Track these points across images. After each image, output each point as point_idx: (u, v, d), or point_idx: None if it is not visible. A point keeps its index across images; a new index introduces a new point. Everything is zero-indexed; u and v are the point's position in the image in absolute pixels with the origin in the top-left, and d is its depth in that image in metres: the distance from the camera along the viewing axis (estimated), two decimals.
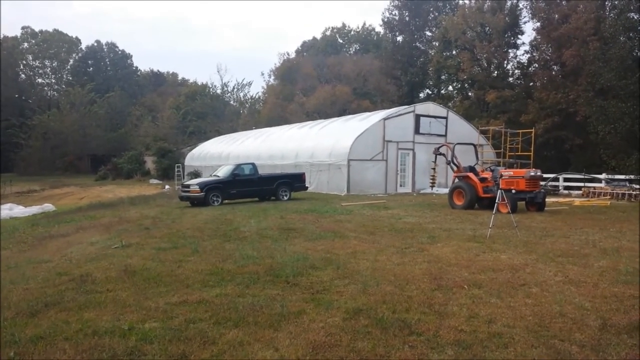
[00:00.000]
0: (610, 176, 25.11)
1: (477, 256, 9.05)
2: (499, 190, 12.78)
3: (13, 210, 22.44)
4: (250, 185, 21.79)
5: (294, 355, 4.72)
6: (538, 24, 36.12)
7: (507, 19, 38.32)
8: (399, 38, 54.05)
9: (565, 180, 27.24)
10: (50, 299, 6.63)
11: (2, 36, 77.37)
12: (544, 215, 15.94)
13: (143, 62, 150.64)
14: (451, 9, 50.24)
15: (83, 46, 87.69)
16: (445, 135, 28.69)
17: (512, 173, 17.47)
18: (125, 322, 5.65)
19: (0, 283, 7.57)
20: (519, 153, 28.95)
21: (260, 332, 5.31)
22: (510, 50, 40.81)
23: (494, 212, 11.89)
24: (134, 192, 33.31)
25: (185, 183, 22.54)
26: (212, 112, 67.24)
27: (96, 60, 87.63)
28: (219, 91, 74.06)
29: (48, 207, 24.04)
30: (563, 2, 34.89)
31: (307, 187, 24.05)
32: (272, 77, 73.65)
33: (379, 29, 67.31)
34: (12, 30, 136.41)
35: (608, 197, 22.61)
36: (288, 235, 11.75)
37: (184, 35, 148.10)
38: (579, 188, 25.48)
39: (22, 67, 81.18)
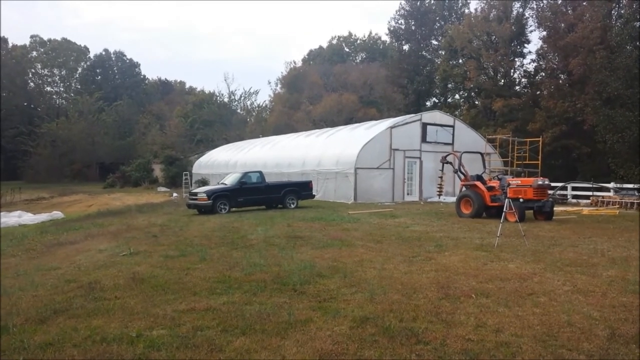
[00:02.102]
0: (618, 185, 24.98)
1: (484, 265, 9.02)
2: (506, 199, 12.75)
3: (22, 217, 22.59)
4: (258, 193, 21.83)
5: None
6: (544, 32, 36.17)
7: (513, 27, 38.37)
8: (405, 47, 54.23)
9: (574, 189, 27.12)
10: (59, 306, 6.67)
11: (10, 45, 78.16)
12: (552, 224, 15.86)
13: (151, 71, 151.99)
14: (457, 18, 50.40)
15: (91, 55, 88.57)
16: (452, 144, 28.67)
17: (519, 182, 17.42)
18: (133, 329, 5.69)
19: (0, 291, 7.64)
20: (527, 162, 28.88)
21: (267, 339, 5.32)
22: (516, 59, 40.82)
23: (501, 221, 11.85)
24: (141, 200, 33.43)
25: (193, 191, 22.62)
26: (220, 120, 67.47)
27: (104, 68, 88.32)
28: (226, 99, 74.33)
29: (57, 214, 24.17)
30: (569, 11, 34.91)
31: (314, 195, 24.06)
32: (279, 86, 73.99)
33: (385, 38, 67.59)
34: (21, 38, 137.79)
35: (617, 206, 22.48)
36: (295, 243, 11.77)
37: (192, 44, 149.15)
38: (587, 197, 25.34)
39: (30, 75, 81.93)
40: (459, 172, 19.19)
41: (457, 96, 51.06)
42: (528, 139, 29.62)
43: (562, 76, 36.17)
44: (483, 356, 4.82)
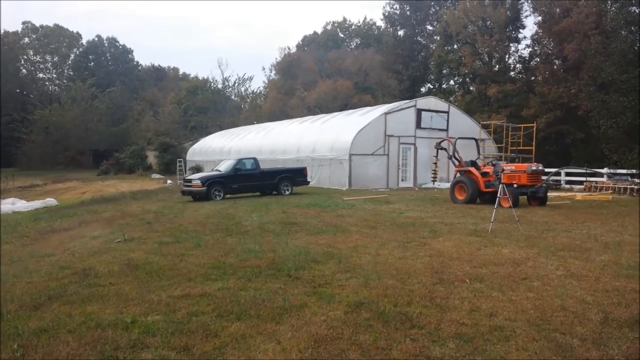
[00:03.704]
0: (612, 170, 25.09)
1: (478, 250, 9.06)
2: (500, 185, 12.77)
3: (16, 204, 22.42)
4: (252, 180, 21.80)
5: (296, 348, 4.74)
6: (539, 18, 36.06)
7: (508, 12, 38.19)
8: (400, 32, 53.88)
9: (567, 174, 27.23)
10: (53, 292, 6.66)
11: (2, 31, 77.38)
12: (546, 209, 15.93)
13: (144, 57, 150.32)
14: (452, 2, 50.02)
15: (84, 41, 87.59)
16: (446, 130, 28.68)
17: (513, 167, 17.46)
18: (128, 315, 5.68)
19: (0, 278, 7.60)
20: (521, 147, 28.91)
21: (262, 325, 5.33)
22: (511, 44, 40.71)
23: (495, 206, 11.88)
24: (135, 187, 33.33)
25: (187, 177, 22.58)
26: (214, 106, 67.11)
27: (97, 55, 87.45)
28: (220, 86, 73.86)
29: (50, 201, 24.03)
30: None
31: (308, 182, 24.07)
32: (273, 72, 73.70)
33: (380, 23, 67.19)
34: (13, 25, 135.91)
35: (610, 191, 22.58)
36: (290, 229, 11.77)
37: (185, 30, 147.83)
38: (580, 182, 25.46)
39: (23, 62, 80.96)
40: (453, 158, 19.21)
41: (451, 82, 50.92)
42: (522, 125, 29.64)
43: (556, 61, 36.10)
44: (477, 340, 4.84)
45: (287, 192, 22.14)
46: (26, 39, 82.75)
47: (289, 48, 75.74)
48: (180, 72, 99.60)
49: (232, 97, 75.62)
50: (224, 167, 22.23)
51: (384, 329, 5.17)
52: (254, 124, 50.23)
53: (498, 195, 12.34)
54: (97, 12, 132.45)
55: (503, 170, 16.62)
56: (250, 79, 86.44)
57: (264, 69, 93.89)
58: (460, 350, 4.64)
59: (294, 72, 63.83)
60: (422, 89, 51.60)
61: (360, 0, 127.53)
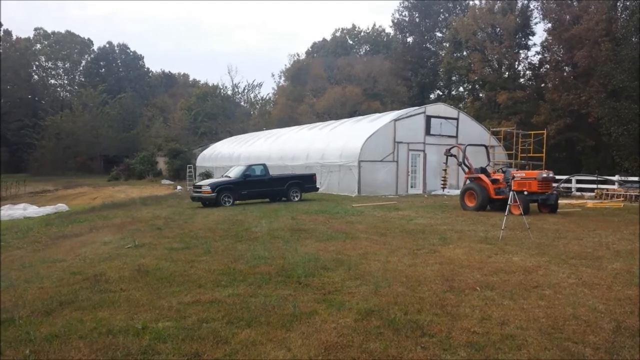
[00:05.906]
0: (623, 178, 24.91)
1: (489, 258, 9.01)
2: (510, 192, 12.72)
3: (27, 210, 22.61)
4: (262, 186, 21.85)
5: (306, 355, 4.74)
6: (549, 24, 35.97)
7: (517, 19, 38.12)
8: (409, 39, 54.02)
9: (578, 182, 27.06)
10: (64, 298, 6.69)
11: (14, 37, 78.29)
12: (557, 217, 15.83)
13: (154, 64, 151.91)
14: (461, 9, 50.13)
15: (95, 47, 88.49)
16: (456, 137, 28.61)
17: (524, 174, 17.37)
18: (139, 321, 5.70)
19: None
20: (531, 154, 28.78)
21: (272, 332, 5.33)
22: (521, 51, 40.58)
23: (506, 213, 11.83)
24: (146, 193, 33.51)
25: (197, 184, 22.68)
26: (223, 113, 67.38)
27: (108, 61, 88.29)
28: (229, 92, 74.13)
29: (62, 207, 24.19)
30: (574, 3, 34.66)
31: (317, 188, 24.06)
32: (283, 78, 73.94)
33: (389, 30, 67.52)
34: (25, 31, 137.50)
35: (621, 199, 22.41)
36: (299, 236, 11.77)
37: (195, 36, 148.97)
38: (591, 190, 25.29)
39: (34, 68, 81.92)
40: (463, 165, 19.16)
41: (461, 89, 50.90)
42: (532, 132, 29.49)
43: (566, 68, 35.95)
44: (488, 349, 4.82)
45: (296, 199, 22.16)
46: (38, 45, 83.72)
47: (298, 55, 76.11)
48: (190, 78, 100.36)
49: (242, 103, 75.94)
50: (234, 173, 22.31)
51: (395, 337, 5.15)
52: (263, 130, 50.38)
53: (508, 203, 12.29)
54: (107, 17, 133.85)
55: (513, 177, 16.53)
56: (260, 85, 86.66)
57: (273, 75, 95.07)
58: (472, 358, 4.62)
59: (303, 78, 63.98)
60: (431, 96, 51.63)
61: (369, 3, 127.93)
